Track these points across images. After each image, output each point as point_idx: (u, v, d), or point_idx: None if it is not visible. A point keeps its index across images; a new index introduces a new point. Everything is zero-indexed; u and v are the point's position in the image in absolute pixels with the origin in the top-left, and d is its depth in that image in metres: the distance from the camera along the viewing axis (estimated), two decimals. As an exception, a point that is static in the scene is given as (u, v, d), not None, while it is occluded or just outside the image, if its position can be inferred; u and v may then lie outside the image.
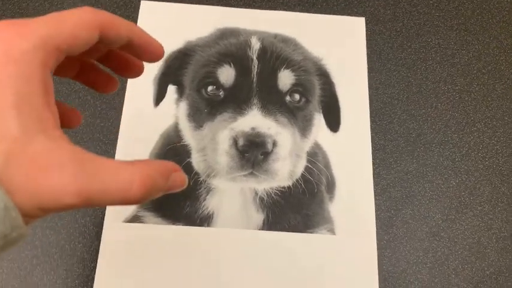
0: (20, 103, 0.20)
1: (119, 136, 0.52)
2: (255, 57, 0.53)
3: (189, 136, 0.51)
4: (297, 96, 0.52)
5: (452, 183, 0.52)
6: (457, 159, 0.53)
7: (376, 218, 0.50)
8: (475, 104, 0.56)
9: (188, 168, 0.50)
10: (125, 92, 0.54)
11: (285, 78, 0.52)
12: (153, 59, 0.28)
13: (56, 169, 0.20)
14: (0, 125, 0.20)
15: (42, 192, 0.20)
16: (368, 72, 0.56)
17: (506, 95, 0.56)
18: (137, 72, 0.31)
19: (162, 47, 0.29)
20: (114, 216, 0.48)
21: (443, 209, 0.51)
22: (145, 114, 0.53)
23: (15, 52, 0.21)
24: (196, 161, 0.50)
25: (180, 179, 0.26)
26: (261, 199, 0.50)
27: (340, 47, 0.58)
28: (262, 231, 0.48)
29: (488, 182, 0.52)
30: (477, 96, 0.56)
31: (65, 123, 0.29)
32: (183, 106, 0.53)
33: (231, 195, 0.50)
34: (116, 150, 0.51)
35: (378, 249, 0.49)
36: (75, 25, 0.23)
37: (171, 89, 0.54)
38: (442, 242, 0.49)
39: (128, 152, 0.51)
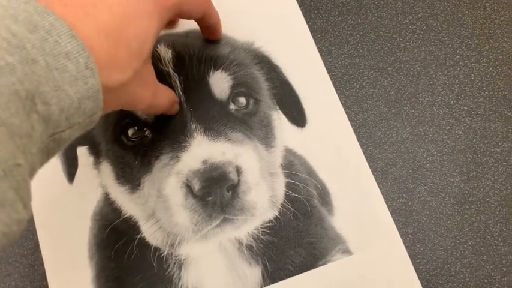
0: None
1: (38, 238, 0.38)
2: (171, 70, 0.40)
3: (128, 204, 0.39)
4: (242, 100, 0.40)
5: (458, 132, 0.42)
6: (452, 102, 0.43)
7: (389, 210, 0.40)
8: (446, 26, 0.45)
9: (144, 247, 0.38)
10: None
11: (219, 82, 0.40)
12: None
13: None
14: None
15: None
16: (312, 35, 0.45)
17: (477, 2, 0.46)
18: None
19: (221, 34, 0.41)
20: None
21: (460, 167, 0.41)
22: (61, 197, 0.39)
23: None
24: (150, 233, 0.38)
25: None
26: (249, 248, 0.38)
27: (268, 17, 0.45)
28: (267, 287, 0.37)
29: (499, 114, 0.43)
30: (446, 18, 0.46)
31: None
32: (106, 168, 0.40)
33: (211, 259, 0.38)
34: (44, 260, 0.38)
35: (407, 247, 0.39)
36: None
37: (82, 152, 0.40)
38: (474, 209, 0.40)
39: (59, 254, 0.38)
